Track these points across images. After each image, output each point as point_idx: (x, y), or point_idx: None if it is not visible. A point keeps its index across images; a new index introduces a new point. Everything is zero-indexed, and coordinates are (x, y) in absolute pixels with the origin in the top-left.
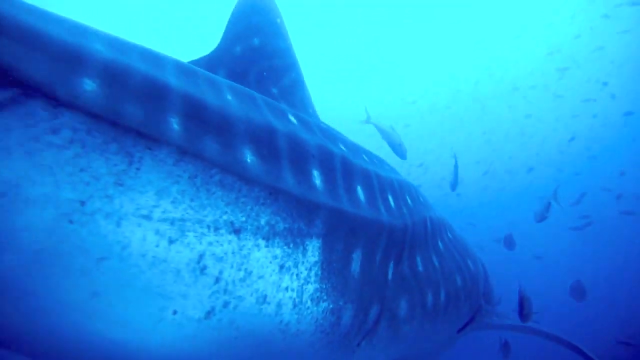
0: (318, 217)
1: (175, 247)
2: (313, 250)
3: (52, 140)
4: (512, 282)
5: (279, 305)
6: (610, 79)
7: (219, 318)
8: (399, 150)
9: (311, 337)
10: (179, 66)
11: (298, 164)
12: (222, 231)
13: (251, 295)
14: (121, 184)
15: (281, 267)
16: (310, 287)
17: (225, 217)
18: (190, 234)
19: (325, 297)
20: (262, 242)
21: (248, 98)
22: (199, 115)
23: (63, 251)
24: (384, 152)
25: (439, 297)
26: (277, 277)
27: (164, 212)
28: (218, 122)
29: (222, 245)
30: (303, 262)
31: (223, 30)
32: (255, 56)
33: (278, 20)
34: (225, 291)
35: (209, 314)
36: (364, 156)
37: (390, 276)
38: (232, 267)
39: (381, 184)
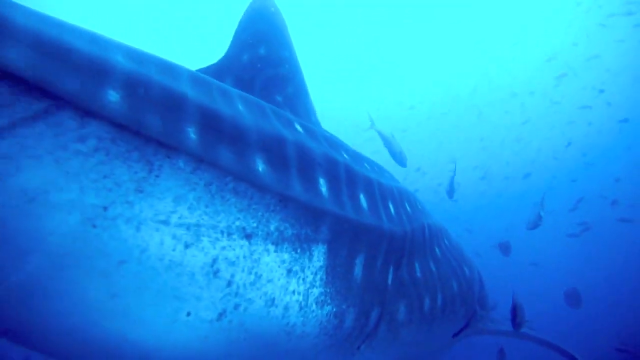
0: (324, 224)
1: (190, 251)
2: (319, 256)
3: (79, 148)
4: (509, 288)
5: (286, 308)
6: (607, 87)
7: (230, 320)
8: (399, 157)
9: (315, 339)
10: (193, 76)
11: (306, 172)
12: (235, 236)
13: (260, 298)
14: (141, 191)
15: (289, 271)
16: (316, 291)
17: (237, 222)
18: (205, 239)
19: (329, 301)
20: (271, 247)
21: (257, 107)
22: (214, 125)
23: (85, 254)
24: (380, 157)
25: (436, 302)
26: (285, 281)
27: (180, 217)
28: (231, 131)
29: (234, 249)
30: (309, 267)
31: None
32: (261, 64)
33: (283, 29)
34: (236, 294)
35: (221, 315)
36: (366, 164)
37: (390, 281)
38: (243, 270)
39: (382, 192)
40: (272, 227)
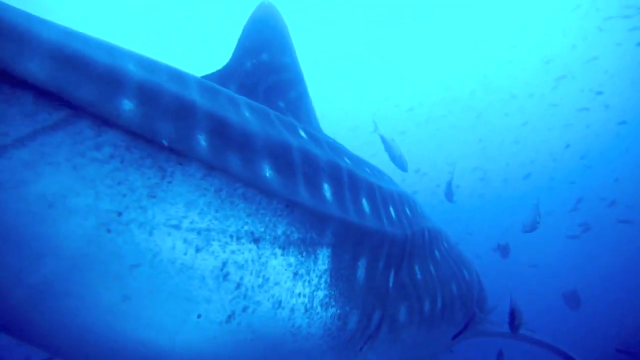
0: (328, 228)
1: (201, 255)
2: (323, 259)
3: (96, 155)
4: (508, 290)
5: (292, 310)
6: (605, 89)
7: (239, 321)
8: (399, 162)
9: (319, 341)
10: (201, 84)
11: (311, 178)
12: (244, 240)
13: (268, 300)
14: (154, 196)
15: (295, 274)
16: (321, 293)
17: (246, 227)
18: (215, 243)
19: (333, 303)
20: (278, 251)
21: (263, 114)
22: (223, 132)
23: (100, 258)
24: (378, 160)
25: (436, 304)
26: (291, 284)
27: (191, 222)
28: (240, 138)
29: (243, 253)
30: (314, 270)
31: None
32: (264, 71)
33: (286, 36)
34: (245, 296)
35: (230, 317)
36: (367, 169)
37: (391, 283)
38: (251, 274)
39: (383, 196)
40: (279, 231)
